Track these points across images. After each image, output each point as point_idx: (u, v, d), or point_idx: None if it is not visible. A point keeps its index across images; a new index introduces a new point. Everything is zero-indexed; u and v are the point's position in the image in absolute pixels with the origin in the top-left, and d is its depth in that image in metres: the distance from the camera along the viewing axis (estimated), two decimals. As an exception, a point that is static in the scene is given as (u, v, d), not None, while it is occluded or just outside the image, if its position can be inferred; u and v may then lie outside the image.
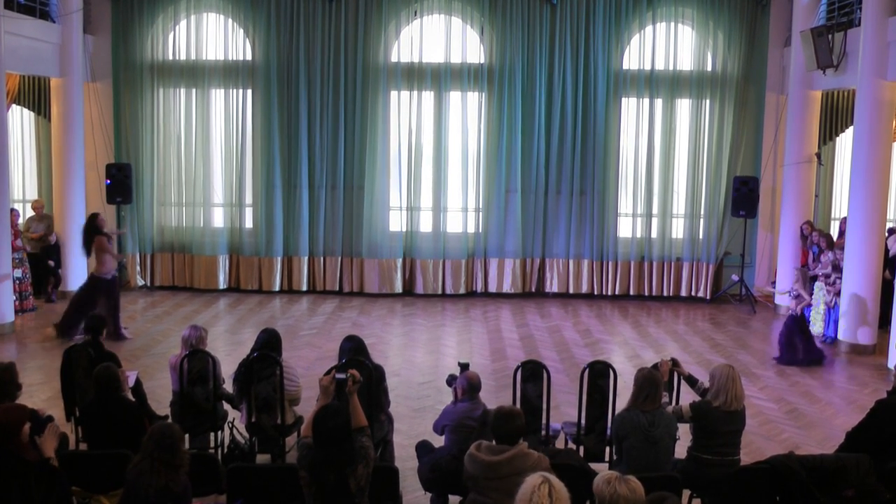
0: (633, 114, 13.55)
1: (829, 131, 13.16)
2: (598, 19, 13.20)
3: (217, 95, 13.69)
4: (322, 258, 13.70)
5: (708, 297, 13.59)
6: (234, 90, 13.56)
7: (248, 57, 13.55)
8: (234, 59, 13.54)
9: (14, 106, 12.95)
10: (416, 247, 13.69)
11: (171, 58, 13.59)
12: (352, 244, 13.68)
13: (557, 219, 13.63)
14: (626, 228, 13.77)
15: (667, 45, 13.40)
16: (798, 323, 10.18)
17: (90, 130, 13.38)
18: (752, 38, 13.37)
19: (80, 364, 6.48)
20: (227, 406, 6.73)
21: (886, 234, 11.43)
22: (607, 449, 6.04)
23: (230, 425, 6.73)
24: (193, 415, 6.40)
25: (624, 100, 13.53)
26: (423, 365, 9.83)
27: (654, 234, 13.65)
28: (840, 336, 10.87)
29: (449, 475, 5.33)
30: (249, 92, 13.54)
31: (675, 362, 6.21)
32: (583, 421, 6.15)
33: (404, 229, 13.73)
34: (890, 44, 10.17)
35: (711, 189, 13.51)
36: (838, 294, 10.97)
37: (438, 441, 5.89)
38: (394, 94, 13.53)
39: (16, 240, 11.53)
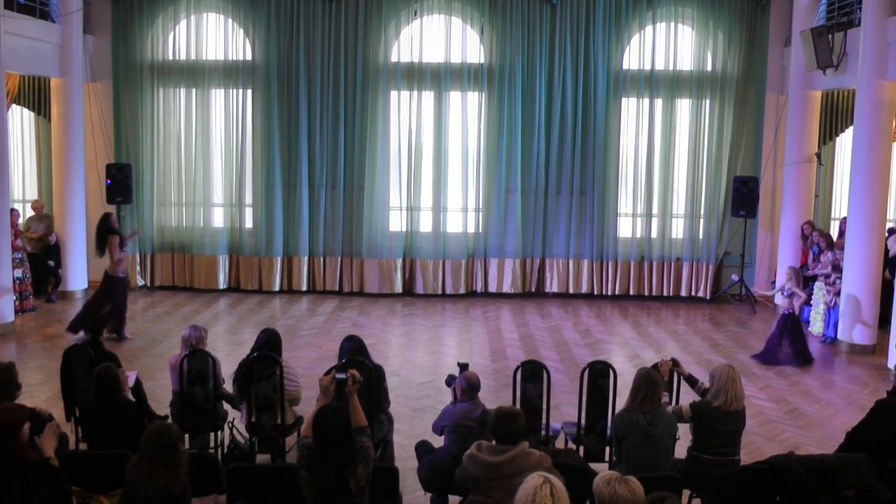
0: (633, 114, 13.55)
1: (829, 131, 13.16)
2: (598, 19, 13.20)
3: (217, 95, 13.69)
4: (322, 258, 13.70)
5: (708, 297, 13.59)
6: (234, 90, 13.56)
7: (248, 57, 13.55)
8: (234, 59, 13.54)
9: (14, 106, 12.95)
10: (416, 247, 13.69)
11: (171, 58, 13.59)
12: (352, 244, 13.68)
13: (557, 219, 13.63)
14: (626, 228, 13.77)
15: (667, 45, 13.40)
16: (791, 322, 10.17)
17: (90, 130, 13.38)
18: (752, 38, 13.37)
19: (80, 364, 6.48)
20: (227, 406, 6.73)
21: (886, 235, 11.43)
22: (607, 449, 6.04)
23: (230, 425, 6.73)
24: (193, 415, 6.41)
25: (624, 100, 13.53)
26: (422, 365, 9.83)
27: (654, 234, 13.65)
28: (840, 336, 10.87)
29: (448, 475, 5.32)
30: (249, 92, 13.54)
31: (675, 362, 6.21)
32: (583, 421, 6.15)
33: (404, 229, 13.73)
34: (890, 44, 10.17)
35: (711, 189, 13.52)
36: (838, 294, 10.97)
37: (438, 441, 5.89)
38: (394, 94, 13.53)
39: (16, 240, 11.54)
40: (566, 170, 13.43)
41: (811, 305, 11.78)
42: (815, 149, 12.91)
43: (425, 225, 13.73)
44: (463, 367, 5.95)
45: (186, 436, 6.37)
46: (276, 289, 13.64)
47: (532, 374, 6.17)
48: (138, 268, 13.68)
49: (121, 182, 13.00)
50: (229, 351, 9.89)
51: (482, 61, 13.46)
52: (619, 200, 13.67)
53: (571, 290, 13.72)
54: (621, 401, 5.84)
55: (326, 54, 13.33)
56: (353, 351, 6.28)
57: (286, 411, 6.35)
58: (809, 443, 7.57)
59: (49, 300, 12.59)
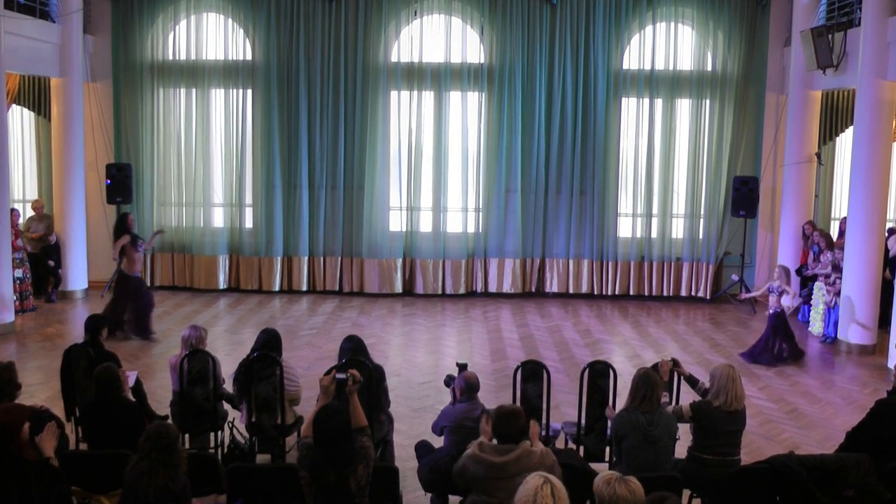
0: (633, 114, 13.55)
1: (829, 131, 13.15)
2: (598, 19, 13.20)
3: (217, 95, 13.69)
4: (322, 258, 13.70)
5: (708, 297, 13.59)
6: (234, 90, 13.56)
7: (248, 57, 13.55)
8: (234, 59, 13.54)
9: (14, 106, 12.95)
10: (416, 247, 13.69)
11: (171, 58, 13.59)
12: (352, 244, 13.68)
13: (557, 219, 13.63)
14: (626, 228, 13.77)
15: (667, 45, 13.40)
16: (782, 321, 10.17)
17: (90, 130, 13.38)
18: (752, 38, 13.37)
19: (80, 364, 6.49)
20: (227, 406, 6.72)
21: (886, 235, 11.43)
22: (607, 449, 6.04)
23: (230, 425, 6.73)
24: (193, 415, 6.41)
25: (624, 100, 13.53)
26: (422, 365, 9.83)
27: (654, 234, 13.66)
28: (840, 336, 10.87)
29: (448, 476, 5.31)
30: (249, 92, 13.54)
31: (675, 362, 6.21)
32: (583, 421, 6.16)
33: (404, 229, 13.73)
34: (890, 44, 10.17)
35: (711, 189, 13.52)
36: (838, 294, 10.97)
37: (438, 441, 5.88)
38: (394, 94, 13.53)
39: (16, 240, 11.54)
40: (566, 170, 13.43)
41: (811, 305, 11.78)
42: (815, 149, 12.91)
43: (425, 225, 13.73)
44: (462, 367, 5.95)
45: (186, 436, 6.40)
46: (276, 289, 13.64)
47: (532, 374, 6.17)
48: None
49: (121, 182, 13.00)
50: (229, 351, 9.89)
51: (482, 61, 13.46)
52: (619, 200, 13.67)
53: (571, 290, 13.72)
54: (621, 401, 5.84)
55: (326, 54, 13.33)
56: (353, 351, 6.28)
57: (286, 411, 6.35)
58: (809, 443, 7.57)
59: (49, 300, 12.60)
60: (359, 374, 4.83)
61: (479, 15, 13.38)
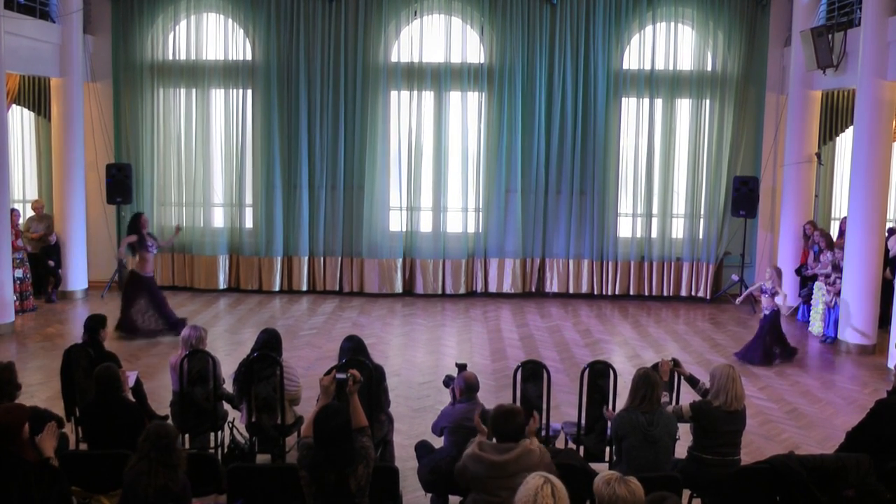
0: (633, 114, 13.55)
1: (829, 131, 13.15)
2: (598, 19, 13.20)
3: (217, 95, 13.69)
4: (322, 258, 13.70)
5: (708, 297, 13.59)
6: (234, 90, 13.56)
7: (248, 57, 13.55)
8: (234, 59, 13.54)
9: (14, 106, 12.95)
10: (416, 247, 13.69)
11: (171, 58, 13.59)
12: (352, 244, 13.68)
13: (557, 219, 13.63)
14: (626, 228, 13.77)
15: (667, 45, 13.40)
16: (775, 322, 10.17)
17: (90, 130, 13.38)
18: (752, 38, 13.37)
19: (80, 364, 6.49)
20: (227, 406, 6.72)
21: (886, 235, 11.43)
22: (607, 449, 6.04)
23: (230, 425, 6.73)
24: (193, 415, 6.41)
25: (624, 100, 13.53)
26: (423, 365, 9.83)
27: (654, 234, 13.65)
28: (840, 336, 10.87)
29: (449, 477, 5.31)
30: (249, 92, 13.54)
31: (676, 362, 6.21)
32: (583, 421, 6.16)
33: (404, 229, 13.73)
34: (890, 44, 10.17)
35: (711, 189, 13.52)
36: (838, 294, 10.97)
37: (438, 441, 5.88)
38: (394, 94, 13.53)
39: (16, 240, 11.54)
40: (566, 170, 13.42)
41: (811, 305, 11.78)
42: (815, 149, 12.91)
43: (425, 225, 13.73)
44: (461, 367, 5.95)
45: (186, 436, 6.40)
46: (276, 289, 13.64)
47: (532, 374, 6.17)
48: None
49: (121, 182, 13.01)
50: (229, 351, 9.89)
51: (482, 61, 13.46)
52: (619, 200, 13.67)
53: (571, 290, 13.72)
54: (621, 401, 5.84)
55: (326, 54, 13.33)
56: (353, 351, 6.28)
57: (286, 411, 6.35)
58: (809, 443, 7.57)
59: (49, 300, 12.60)
60: (359, 375, 4.83)
61: (479, 15, 13.38)
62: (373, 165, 13.44)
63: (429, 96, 13.53)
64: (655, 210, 13.63)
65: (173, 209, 13.75)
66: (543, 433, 6.16)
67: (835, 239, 11.98)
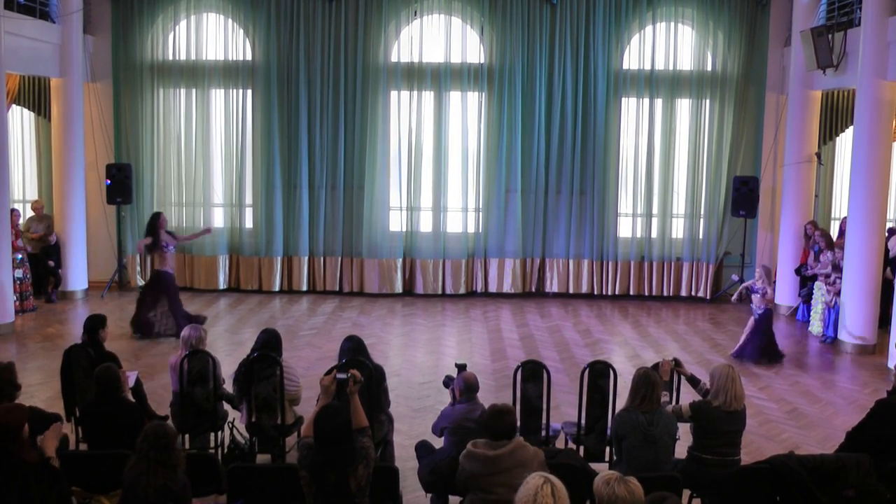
0: (633, 114, 13.55)
1: (829, 131, 13.15)
2: (598, 19, 13.20)
3: (217, 95, 13.69)
4: (322, 258, 13.70)
5: (708, 297, 13.59)
6: (234, 90, 13.56)
7: (248, 57, 13.55)
8: (234, 59, 13.53)
9: (14, 106, 12.94)
10: (416, 247, 13.68)
11: (171, 58, 13.59)
12: (352, 244, 13.68)
13: (557, 219, 13.63)
14: (626, 228, 13.77)
15: (667, 44, 13.40)
16: (766, 321, 10.14)
17: (90, 131, 13.38)
18: (752, 38, 13.37)
19: (80, 364, 6.49)
20: (227, 406, 6.72)
21: (887, 235, 11.43)
22: (607, 449, 6.04)
23: (230, 425, 6.73)
24: (193, 415, 6.40)
25: (624, 100, 13.53)
26: (423, 365, 9.83)
27: (654, 234, 13.65)
28: (840, 336, 10.86)
29: (449, 477, 5.31)
30: (249, 92, 13.54)
31: (677, 362, 6.21)
32: (583, 421, 6.15)
33: (404, 229, 13.73)
34: (890, 44, 10.16)
35: (711, 189, 13.51)
36: (838, 294, 10.96)
37: (438, 441, 5.88)
38: (394, 94, 13.53)
39: (16, 240, 11.54)
40: (566, 170, 13.42)
41: (811, 305, 11.78)
42: (815, 149, 12.90)
43: (425, 225, 13.73)
44: (461, 367, 5.95)
45: (186, 436, 6.40)
46: (276, 289, 13.64)
47: (532, 374, 6.17)
48: (138, 268, 13.68)
49: (121, 182, 13.01)
50: (229, 351, 9.89)
51: (482, 61, 13.46)
52: (619, 200, 13.67)
53: (571, 290, 13.72)
54: (621, 401, 5.84)
55: (326, 54, 13.33)
56: (353, 351, 6.27)
57: (286, 411, 6.35)
58: (810, 443, 7.57)
59: (49, 300, 12.59)
60: (360, 375, 4.83)
61: (479, 15, 13.38)
62: (373, 165, 13.44)
63: (429, 96, 13.53)
64: (655, 210, 13.62)
65: (173, 209, 13.74)
66: (543, 433, 6.16)
67: (835, 239, 11.97)
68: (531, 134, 13.35)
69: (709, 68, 13.47)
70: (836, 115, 13.05)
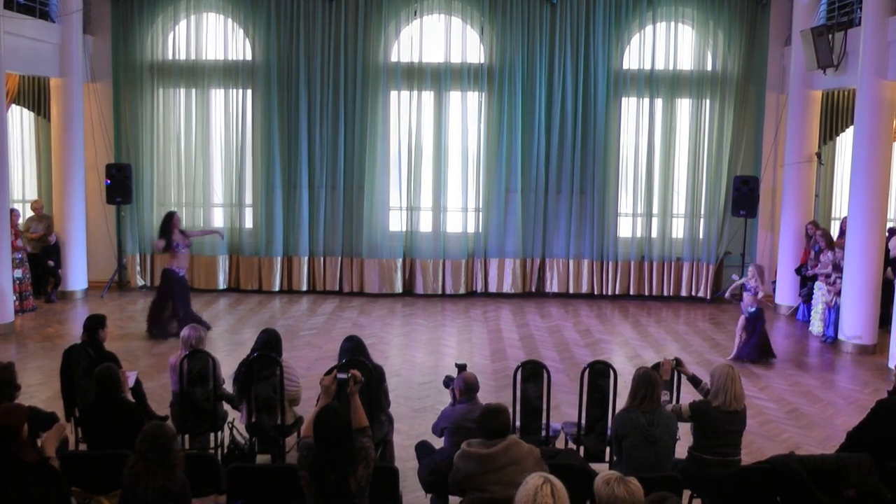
0: (633, 113, 13.54)
1: (830, 131, 13.15)
2: (598, 19, 13.19)
3: (217, 95, 13.68)
4: (322, 258, 13.69)
5: (708, 297, 13.58)
6: (234, 90, 13.55)
7: (248, 57, 13.54)
8: (234, 59, 13.53)
9: (14, 106, 12.94)
10: (416, 247, 13.68)
11: (170, 58, 13.58)
12: (352, 244, 13.67)
13: (557, 219, 13.62)
14: (626, 228, 13.76)
15: (667, 44, 13.39)
16: (757, 319, 10.14)
17: (90, 131, 13.37)
18: (752, 38, 13.36)
19: (80, 364, 6.48)
20: (227, 406, 6.72)
21: (887, 235, 11.42)
22: (607, 449, 6.03)
23: (230, 426, 6.72)
24: (193, 415, 6.40)
25: (624, 99, 13.52)
26: (423, 365, 9.82)
27: (654, 234, 13.65)
28: (840, 336, 10.85)
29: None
30: (249, 92, 13.53)
31: (678, 362, 6.19)
32: (583, 421, 6.15)
33: (404, 229, 13.72)
34: (890, 43, 10.16)
35: (712, 189, 13.51)
36: (838, 294, 10.96)
37: (439, 441, 5.88)
38: (394, 94, 13.52)
39: (16, 240, 11.53)
40: (566, 170, 13.42)
41: (811, 305, 11.77)
42: (815, 148, 12.90)
43: (425, 225, 13.72)
44: (461, 368, 5.94)
45: (186, 436, 6.39)
46: (276, 289, 13.63)
47: (532, 374, 6.16)
48: (138, 268, 13.68)
49: (121, 182, 13.00)
50: (229, 351, 9.89)
51: (482, 61, 13.45)
52: (620, 200, 13.66)
53: (571, 290, 13.71)
54: (621, 401, 5.83)
55: (326, 54, 13.32)
56: (353, 351, 6.27)
57: (286, 411, 6.34)
58: (810, 443, 7.56)
59: (49, 300, 12.59)
60: (360, 375, 4.83)
61: (479, 15, 13.37)
62: (373, 165, 13.43)
63: (429, 96, 13.52)
64: (656, 210, 13.62)
65: (173, 209, 13.71)
66: (543, 433, 6.15)
67: (835, 239, 11.96)
68: (531, 134, 13.34)
69: (709, 68, 13.46)
70: (836, 115, 13.05)
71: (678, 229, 13.77)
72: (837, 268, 11.06)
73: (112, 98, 13.60)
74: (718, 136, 13.43)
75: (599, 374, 6.17)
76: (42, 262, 12.57)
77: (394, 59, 13.47)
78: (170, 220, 10.72)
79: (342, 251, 13.68)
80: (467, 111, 13.53)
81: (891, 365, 9.88)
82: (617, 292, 13.64)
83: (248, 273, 13.70)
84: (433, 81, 13.41)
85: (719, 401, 5.49)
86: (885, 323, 10.67)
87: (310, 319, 12.04)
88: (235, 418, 6.71)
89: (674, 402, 6.11)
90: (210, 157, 13.70)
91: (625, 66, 13.44)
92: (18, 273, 11.51)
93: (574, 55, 13.27)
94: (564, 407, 8.04)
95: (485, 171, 13.57)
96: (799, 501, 4.97)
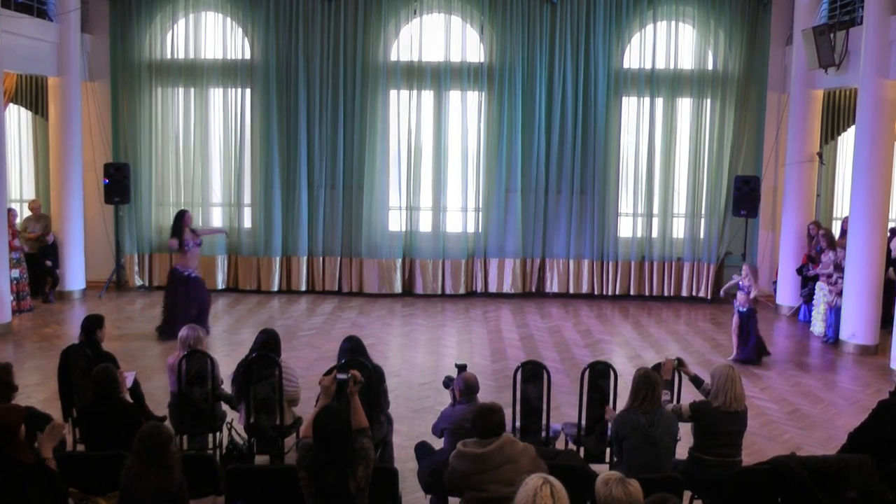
0: (633, 113, 13.52)
1: (831, 130, 13.13)
2: (598, 18, 13.17)
3: (216, 95, 13.65)
4: (321, 258, 13.66)
5: (709, 298, 13.54)
6: (233, 89, 13.52)
7: (247, 56, 13.51)
8: (233, 58, 13.50)
9: (11, 105, 12.91)
10: (415, 247, 13.65)
11: (169, 57, 13.55)
12: (351, 244, 13.64)
13: (557, 218, 13.59)
14: (626, 228, 13.74)
15: (667, 43, 13.37)
16: (750, 319, 10.11)
17: (88, 130, 13.34)
18: (753, 37, 13.34)
19: (78, 364, 6.45)
20: (225, 407, 6.70)
21: (889, 235, 11.39)
22: (608, 450, 6.01)
23: (229, 426, 6.69)
24: (192, 416, 6.37)
25: (624, 99, 13.49)
26: (422, 365, 9.80)
27: (654, 234, 13.62)
28: (841, 336, 10.83)
29: (449, 477, 5.30)
30: (248, 91, 13.51)
31: (680, 362, 6.17)
32: (583, 422, 6.12)
33: (404, 229, 13.70)
34: (892, 42, 10.14)
35: (712, 188, 13.48)
36: (840, 294, 10.93)
37: (438, 442, 5.85)
38: (393, 93, 13.50)
39: (14, 240, 11.50)
40: (566, 169, 13.39)
41: (812, 305, 11.74)
42: (816, 148, 12.88)
43: (425, 225, 13.69)
44: (461, 368, 5.92)
45: (185, 437, 6.36)
46: (275, 289, 13.60)
47: (532, 374, 6.14)
48: (136, 268, 13.64)
49: (119, 182, 12.97)
50: (228, 351, 9.86)
51: (482, 60, 13.43)
52: (620, 200, 13.64)
53: (572, 290, 13.68)
54: (622, 401, 5.81)
55: (326, 54, 13.29)
56: (353, 351, 6.25)
57: (285, 412, 6.32)
58: (811, 443, 7.54)
59: (46, 300, 12.55)
60: (360, 375, 4.80)
61: (478, 14, 13.34)
62: (372, 165, 13.40)
63: (428, 96, 13.49)
64: (656, 210, 13.59)
65: (172, 209, 13.64)
66: (543, 434, 6.13)
67: (836, 238, 11.93)
68: (531, 133, 13.32)
69: (710, 67, 13.44)
70: (837, 115, 13.03)
71: (679, 229, 13.74)
72: (838, 268, 11.04)
73: (110, 97, 13.57)
74: (719, 135, 13.40)
75: (600, 374, 6.15)
76: (40, 261, 12.54)
77: (393, 58, 13.44)
78: (181, 219, 10.62)
79: (341, 251, 13.65)
80: (467, 111, 13.50)
81: (892, 365, 9.85)
82: (617, 292, 13.61)
83: (247, 273, 13.67)
84: (433, 81, 13.38)
85: (719, 401, 5.47)
86: (886, 323, 10.65)
87: (309, 319, 12.01)
88: (234, 419, 6.68)
89: (675, 402, 6.08)
90: (209, 157, 13.67)
91: (625, 66, 13.41)
92: (16, 273, 11.48)
93: (574, 54, 13.25)
94: (564, 407, 8.01)
95: (485, 170, 13.54)
96: (800, 502, 4.95)
